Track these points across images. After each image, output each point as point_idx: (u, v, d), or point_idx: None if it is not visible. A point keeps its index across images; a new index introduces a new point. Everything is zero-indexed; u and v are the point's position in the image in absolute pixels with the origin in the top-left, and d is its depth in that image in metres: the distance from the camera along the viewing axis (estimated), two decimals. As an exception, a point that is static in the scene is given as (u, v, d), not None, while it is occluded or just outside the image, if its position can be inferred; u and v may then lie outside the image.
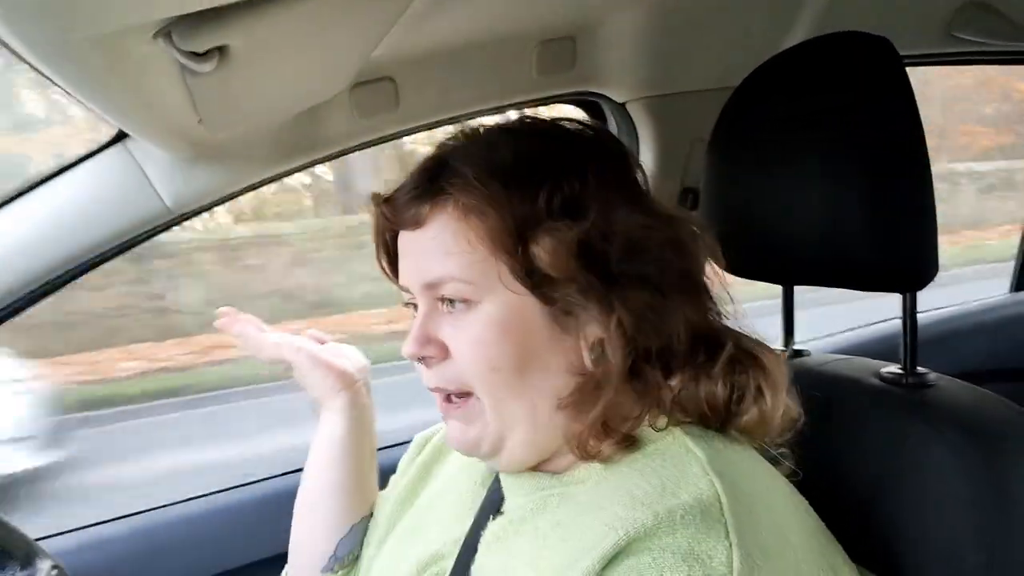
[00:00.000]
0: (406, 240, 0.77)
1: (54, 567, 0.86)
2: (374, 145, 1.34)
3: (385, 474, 1.05)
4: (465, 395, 0.76)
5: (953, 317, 1.97)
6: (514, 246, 0.70)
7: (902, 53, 0.88)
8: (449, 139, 0.78)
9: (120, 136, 1.13)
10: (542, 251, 0.69)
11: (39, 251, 1.12)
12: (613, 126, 1.52)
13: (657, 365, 0.72)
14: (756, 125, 0.97)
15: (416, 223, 0.74)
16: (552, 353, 0.73)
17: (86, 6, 0.49)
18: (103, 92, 0.80)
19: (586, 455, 0.72)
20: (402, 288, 0.80)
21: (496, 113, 1.38)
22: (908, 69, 0.86)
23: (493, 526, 0.77)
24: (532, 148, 0.75)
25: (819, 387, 0.78)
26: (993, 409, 0.85)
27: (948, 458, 0.80)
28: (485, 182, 0.71)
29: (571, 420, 0.73)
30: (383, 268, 0.84)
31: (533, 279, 0.70)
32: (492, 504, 0.82)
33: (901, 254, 0.86)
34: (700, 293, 0.75)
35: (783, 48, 0.99)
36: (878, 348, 1.60)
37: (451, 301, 0.74)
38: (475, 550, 0.77)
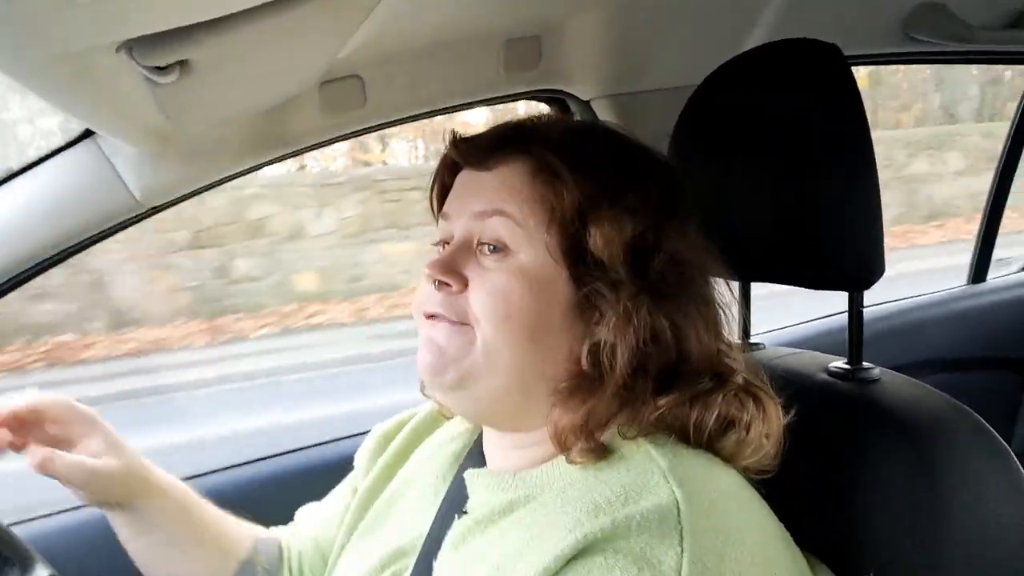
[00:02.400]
0: (468, 177, 0.80)
1: None
2: (343, 140, 1.35)
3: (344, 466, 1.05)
4: (463, 324, 0.76)
5: (912, 308, 1.99)
6: (573, 219, 0.73)
7: (858, 53, 0.90)
8: (537, 116, 0.83)
9: (89, 132, 1.13)
10: (599, 234, 0.73)
11: (9, 245, 1.12)
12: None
13: (652, 381, 0.73)
14: (715, 123, 0.99)
15: (485, 165, 0.78)
16: (561, 334, 0.75)
17: (46, 28, 0.50)
18: (68, 98, 0.80)
19: (562, 447, 0.74)
20: (442, 218, 0.82)
21: (462, 110, 1.40)
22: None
23: (458, 525, 0.79)
24: (611, 145, 0.80)
25: (771, 381, 0.80)
26: (931, 404, 0.88)
27: (886, 452, 0.83)
28: (567, 150, 0.75)
29: (559, 409, 0.74)
30: (432, 200, 0.87)
31: (574, 257, 0.73)
32: (455, 502, 0.83)
33: (847, 254, 0.89)
34: (719, 324, 0.78)
35: (745, 48, 1.02)
36: (832, 341, 1.62)
37: (490, 246, 0.75)
38: (438, 548, 0.79)
